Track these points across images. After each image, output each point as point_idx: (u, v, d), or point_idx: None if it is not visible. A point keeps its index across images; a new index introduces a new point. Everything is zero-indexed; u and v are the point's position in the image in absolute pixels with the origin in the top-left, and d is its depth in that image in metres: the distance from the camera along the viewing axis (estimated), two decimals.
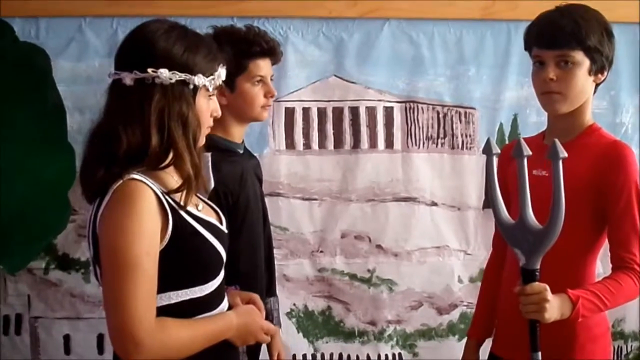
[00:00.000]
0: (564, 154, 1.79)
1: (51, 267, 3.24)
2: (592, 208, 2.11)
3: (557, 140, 1.83)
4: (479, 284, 3.37)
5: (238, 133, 2.49)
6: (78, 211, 3.15)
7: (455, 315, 3.43)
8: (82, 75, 3.15)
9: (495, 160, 1.96)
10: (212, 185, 2.24)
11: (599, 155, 2.11)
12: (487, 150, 1.96)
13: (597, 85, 2.22)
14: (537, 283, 1.92)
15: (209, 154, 2.25)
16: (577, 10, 2.19)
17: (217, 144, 2.35)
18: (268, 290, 2.59)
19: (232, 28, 2.47)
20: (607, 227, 2.13)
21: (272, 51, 2.45)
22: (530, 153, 1.88)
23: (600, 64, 2.17)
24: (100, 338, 3.28)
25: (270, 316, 2.58)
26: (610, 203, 2.09)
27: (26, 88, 2.94)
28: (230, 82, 2.31)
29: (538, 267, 1.91)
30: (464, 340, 3.31)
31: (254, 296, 1.95)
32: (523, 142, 1.89)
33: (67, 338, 3.28)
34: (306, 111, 3.31)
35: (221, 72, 1.77)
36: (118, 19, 3.15)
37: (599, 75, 2.19)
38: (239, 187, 2.37)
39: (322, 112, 3.31)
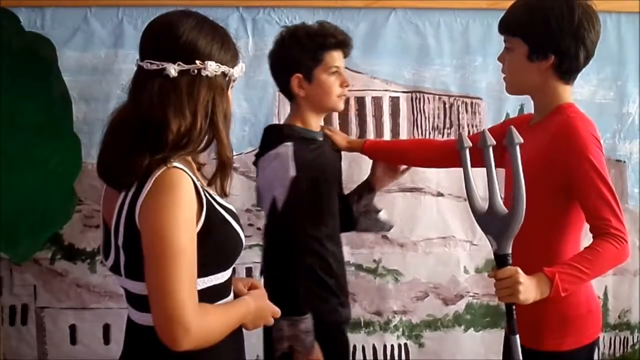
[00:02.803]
0: (519, 139, 1.88)
1: (57, 257, 3.25)
2: (553, 185, 2.12)
3: (512, 127, 1.90)
4: (485, 274, 3.37)
5: (315, 123, 2.57)
6: (84, 201, 3.16)
7: (461, 305, 3.43)
8: (88, 65, 3.16)
9: (467, 153, 2.04)
10: (293, 173, 2.35)
11: (553, 134, 2.13)
12: (460, 144, 2.05)
13: (560, 69, 2.20)
14: (508, 267, 1.96)
15: (289, 144, 2.38)
16: None
17: (298, 133, 2.47)
18: None
19: (304, 24, 2.56)
20: (578, 203, 2.13)
21: (345, 43, 2.52)
22: (494, 142, 1.95)
23: (540, 50, 2.17)
24: (106, 328, 3.29)
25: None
26: (570, 179, 2.10)
27: (32, 78, 2.93)
28: (308, 74, 2.45)
29: (509, 251, 1.96)
30: (470, 330, 3.32)
31: (254, 281, 1.98)
32: (487, 133, 1.97)
33: (73, 328, 3.30)
34: None
35: (242, 65, 1.80)
36: (123, 9, 3.16)
37: (543, 61, 2.18)
38: (319, 173, 2.47)
39: None
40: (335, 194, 2.61)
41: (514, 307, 1.98)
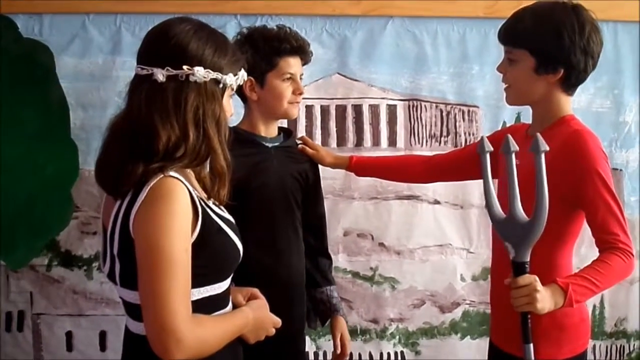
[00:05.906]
0: (545, 147, 1.86)
1: (54, 263, 3.24)
2: (557, 196, 2.07)
3: (539, 135, 1.89)
4: (482, 282, 3.38)
5: (266, 128, 2.52)
6: (80, 208, 3.16)
7: (457, 313, 3.43)
8: (85, 71, 3.16)
9: (488, 157, 2.03)
10: None
11: (560, 145, 2.11)
12: (481, 149, 2.03)
13: (567, 82, 2.20)
14: (527, 275, 1.94)
15: None
16: (536, 10, 2.21)
17: (237, 135, 2.38)
18: (325, 279, 2.70)
19: (264, 27, 2.52)
20: (585, 216, 2.14)
21: (301, 49, 2.48)
22: (517, 149, 1.93)
23: (549, 63, 2.17)
24: (102, 335, 3.28)
25: (328, 303, 2.67)
26: (579, 192, 2.10)
27: (29, 85, 2.94)
28: (261, 78, 2.42)
29: (528, 259, 1.95)
30: (466, 338, 3.32)
31: (254, 291, 1.94)
32: (511, 139, 1.94)
33: (69, 335, 3.29)
34: (309, 109, 3.30)
35: (244, 74, 1.80)
36: (121, 16, 3.16)
37: (551, 74, 2.17)
38: (249, 176, 2.38)
39: (325, 110, 3.31)
40: (282, 203, 2.52)
41: (529, 315, 1.97)
